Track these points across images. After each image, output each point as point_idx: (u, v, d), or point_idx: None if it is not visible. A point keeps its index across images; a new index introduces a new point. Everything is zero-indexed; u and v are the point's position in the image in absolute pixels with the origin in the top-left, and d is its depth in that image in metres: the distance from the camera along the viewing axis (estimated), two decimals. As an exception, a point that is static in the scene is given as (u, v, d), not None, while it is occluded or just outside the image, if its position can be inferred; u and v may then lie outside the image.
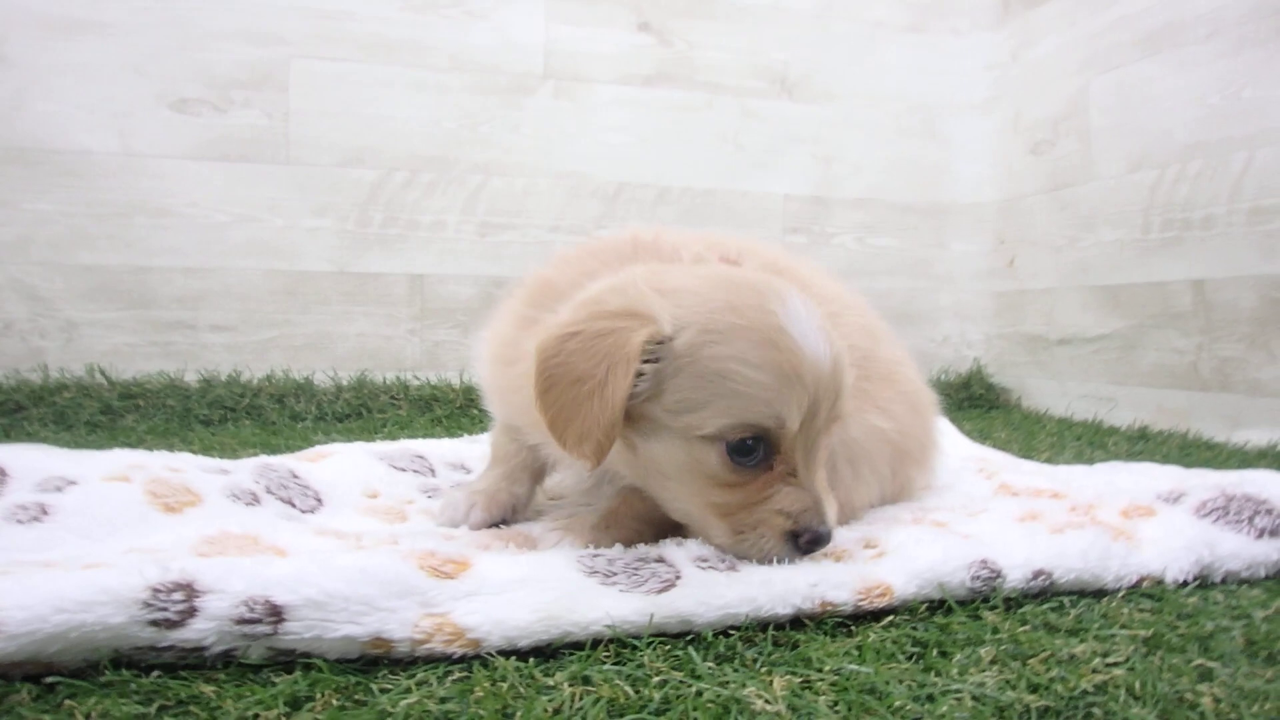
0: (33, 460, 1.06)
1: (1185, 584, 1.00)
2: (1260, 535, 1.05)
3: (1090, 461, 1.75)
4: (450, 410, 2.52)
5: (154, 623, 0.69)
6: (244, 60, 2.53)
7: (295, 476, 1.23)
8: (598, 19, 2.84)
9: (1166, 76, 2.45)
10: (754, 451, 0.92)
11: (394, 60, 2.66)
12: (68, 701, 0.65)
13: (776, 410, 0.90)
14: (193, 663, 0.71)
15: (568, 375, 0.90)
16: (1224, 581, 1.03)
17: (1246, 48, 2.22)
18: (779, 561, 0.92)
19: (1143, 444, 2.14)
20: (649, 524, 1.05)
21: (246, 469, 1.20)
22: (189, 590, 0.71)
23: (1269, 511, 1.07)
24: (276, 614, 0.72)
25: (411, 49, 2.68)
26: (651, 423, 0.93)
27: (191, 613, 0.70)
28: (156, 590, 0.70)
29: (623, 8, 2.87)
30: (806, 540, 0.92)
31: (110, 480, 1.01)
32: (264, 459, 1.29)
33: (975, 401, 3.03)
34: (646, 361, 0.89)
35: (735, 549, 0.93)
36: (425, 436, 1.95)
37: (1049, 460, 1.84)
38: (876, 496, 1.28)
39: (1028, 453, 1.94)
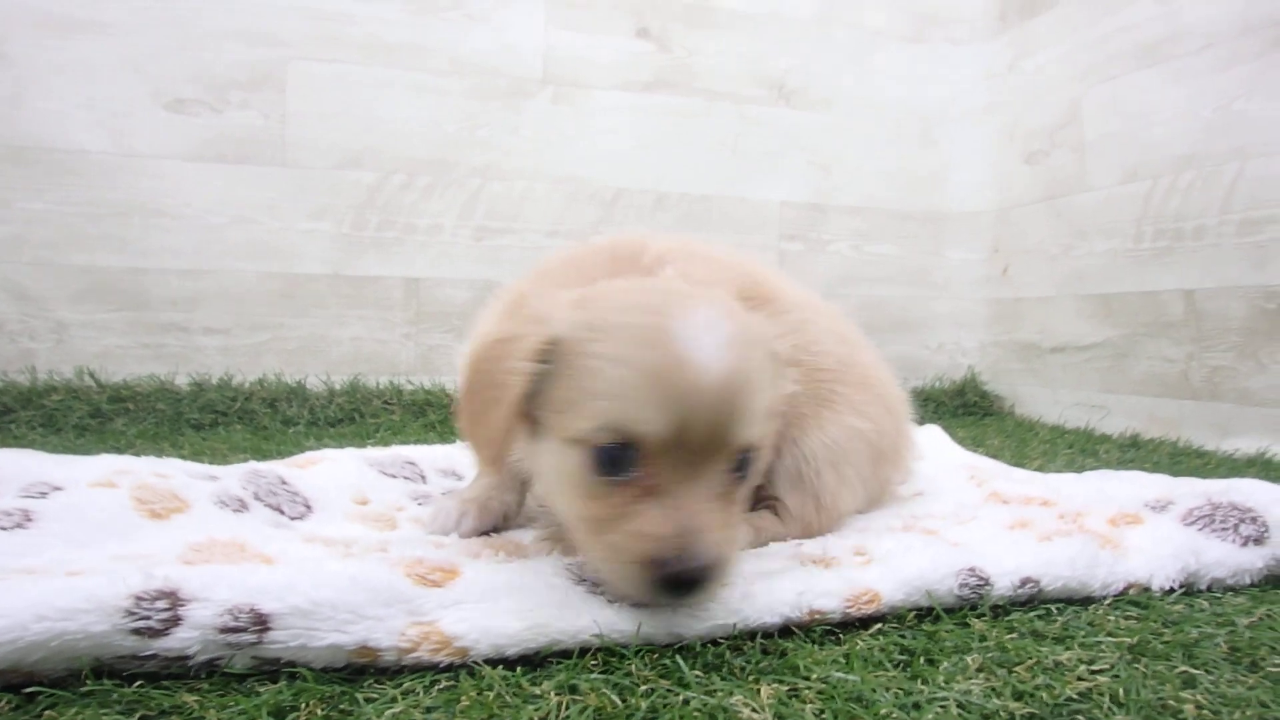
0: (18, 465, 1.06)
1: (1171, 591, 1.01)
2: (1246, 543, 1.05)
3: (1081, 469, 1.76)
4: (444, 415, 2.51)
5: (137, 631, 0.69)
6: (242, 61, 2.53)
7: (284, 483, 1.23)
8: (597, 24, 2.85)
9: (1160, 88, 2.46)
10: (620, 461, 0.83)
11: (393, 63, 2.66)
12: (48, 712, 0.65)
13: (639, 414, 0.82)
14: (176, 672, 0.71)
15: (480, 383, 0.91)
16: (1209, 589, 1.03)
17: (1239, 61, 2.24)
18: (640, 600, 0.81)
19: (1134, 452, 2.15)
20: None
21: (235, 475, 1.20)
22: (173, 598, 0.71)
23: (1254, 520, 1.07)
24: (262, 622, 0.71)
25: (410, 51, 2.67)
26: (542, 427, 0.90)
27: (175, 621, 0.70)
28: (140, 598, 0.70)
29: (622, 13, 2.87)
30: (664, 575, 0.79)
31: (96, 486, 1.01)
32: (252, 465, 1.29)
33: (969, 409, 3.03)
34: (542, 364, 0.87)
35: (604, 577, 0.85)
36: (418, 442, 1.94)
37: (1041, 468, 1.84)
38: (862, 498, 1.29)
39: (1020, 460, 1.95)
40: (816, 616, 0.86)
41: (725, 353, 0.84)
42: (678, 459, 0.83)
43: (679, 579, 0.79)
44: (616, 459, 0.83)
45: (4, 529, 0.92)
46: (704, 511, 0.82)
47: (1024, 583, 0.96)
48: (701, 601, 0.82)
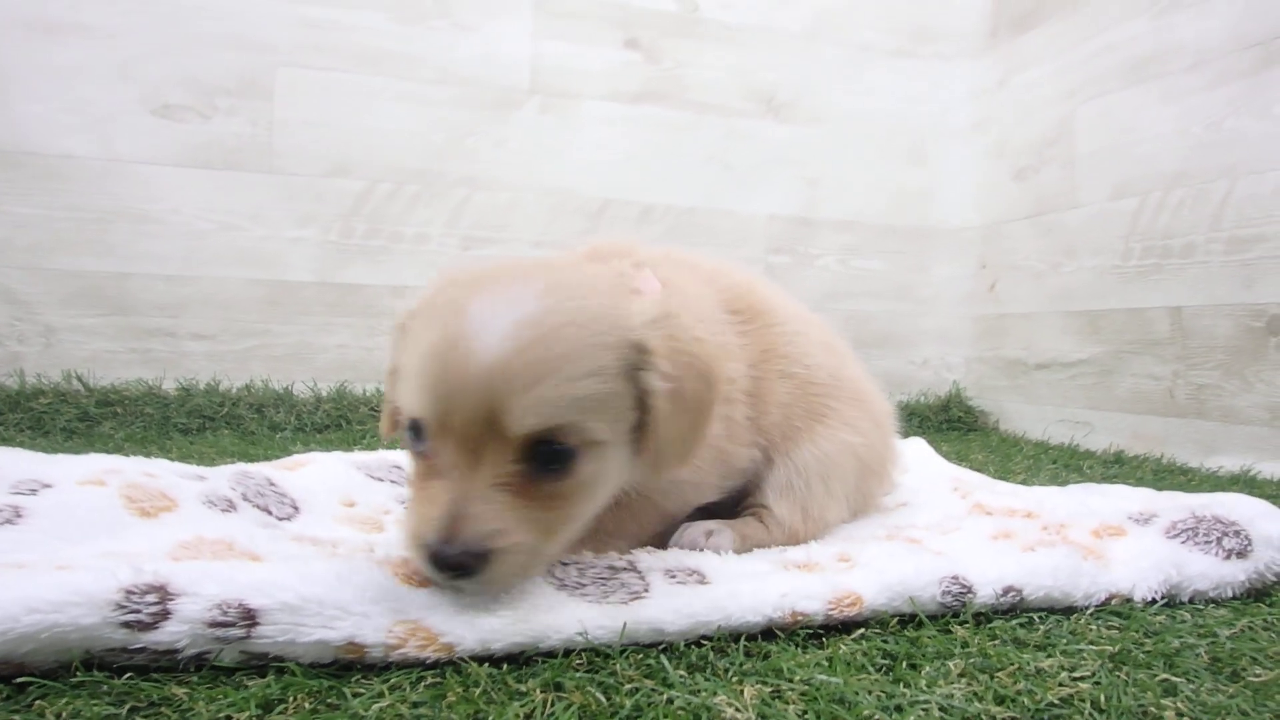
0: (7, 463, 1.06)
1: (1153, 603, 1.02)
2: (1228, 556, 1.06)
3: (1065, 484, 1.77)
4: (430, 423, 2.52)
5: (126, 624, 0.69)
6: (230, 67, 2.53)
7: (272, 484, 1.23)
8: (586, 35, 2.86)
9: (1151, 105, 2.48)
10: (418, 436, 0.85)
11: (380, 71, 2.66)
12: (38, 702, 0.65)
13: (414, 395, 0.83)
14: (165, 665, 0.71)
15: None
16: (1192, 601, 1.04)
17: (1229, 79, 2.26)
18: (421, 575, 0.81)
19: (1117, 468, 2.17)
20: (618, 537, 1.04)
21: (223, 476, 1.20)
22: (162, 593, 0.71)
23: (1237, 533, 1.08)
24: (250, 618, 0.72)
25: (398, 61, 2.68)
26: None
27: (164, 615, 0.70)
28: (130, 592, 0.70)
29: (611, 25, 2.88)
30: (429, 556, 0.78)
31: (86, 484, 1.01)
32: (241, 466, 1.29)
33: (953, 424, 3.05)
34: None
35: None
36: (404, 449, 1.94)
37: (1024, 482, 1.86)
38: (847, 512, 1.30)
39: (1004, 475, 1.96)
40: (799, 618, 0.87)
41: (510, 333, 0.81)
42: (454, 442, 0.81)
43: (442, 562, 0.78)
44: (416, 436, 0.85)
45: (-5, 524, 0.92)
46: (478, 499, 0.80)
47: (1006, 591, 0.97)
48: (475, 590, 0.80)
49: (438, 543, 0.77)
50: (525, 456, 0.82)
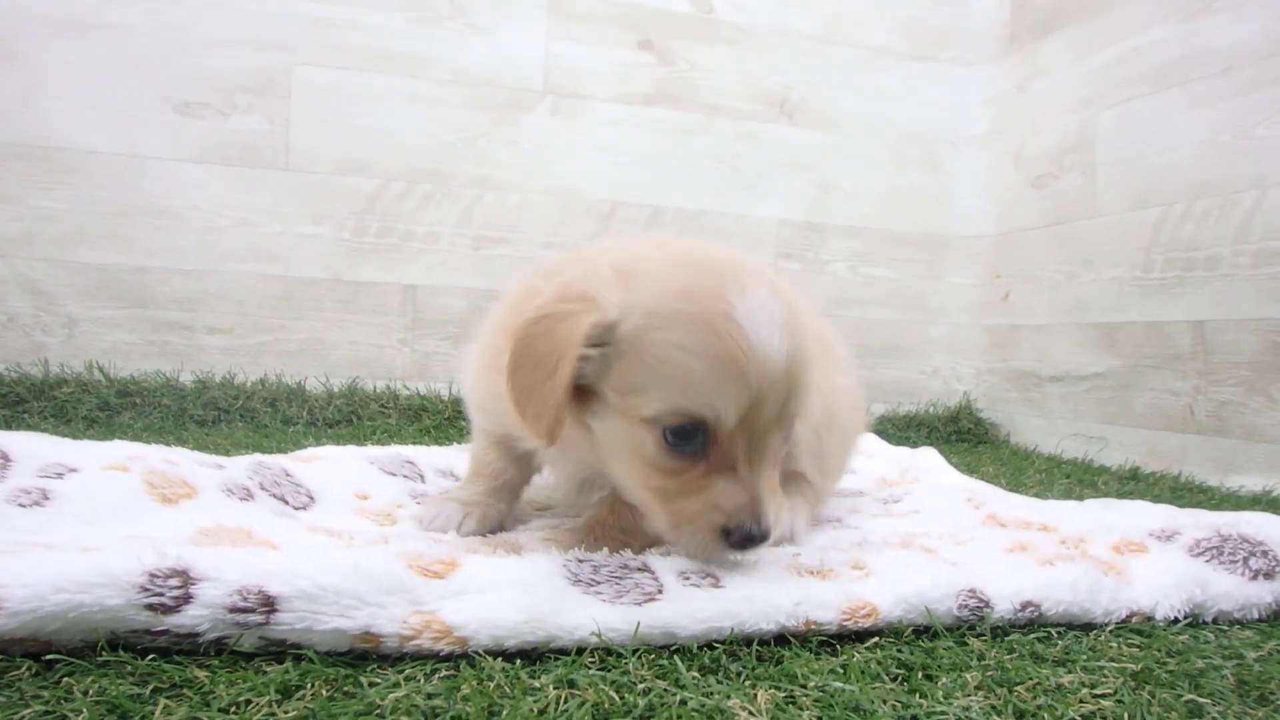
0: (35, 447, 1.07)
1: (1176, 621, 1.00)
2: (1255, 577, 1.04)
3: (1080, 499, 1.75)
4: (439, 421, 2.53)
5: (150, 607, 0.70)
6: (248, 66, 2.55)
7: (288, 475, 1.24)
8: (598, 37, 2.86)
9: (1176, 112, 2.43)
10: (691, 440, 0.90)
11: (394, 71, 2.68)
12: (66, 679, 0.66)
13: (711, 400, 0.88)
14: (186, 648, 0.72)
15: (530, 358, 0.93)
16: (1215, 621, 1.02)
17: (1262, 85, 2.20)
18: (711, 558, 0.92)
19: (1133, 484, 2.13)
20: (634, 535, 1.06)
21: (241, 465, 1.21)
22: (185, 577, 0.72)
23: (1265, 554, 1.06)
24: (269, 604, 0.72)
25: (412, 61, 2.69)
26: (602, 404, 0.94)
27: (187, 599, 0.71)
28: (153, 575, 0.71)
29: (624, 26, 2.89)
30: (737, 539, 0.89)
31: (109, 469, 1.02)
32: (258, 457, 1.30)
33: (963, 436, 3.03)
34: (595, 346, 0.90)
35: (672, 539, 0.94)
36: (414, 445, 1.95)
37: (1037, 496, 1.83)
38: (849, 457, 1.45)
39: (1015, 488, 1.93)
40: (812, 627, 0.87)
41: (784, 334, 0.90)
42: (744, 437, 0.90)
43: (748, 539, 0.90)
44: (686, 437, 0.90)
45: (23, 506, 0.94)
46: (765, 480, 0.92)
47: (1024, 606, 0.95)
48: (754, 557, 0.94)
49: (751, 527, 0.90)
50: (787, 435, 0.96)
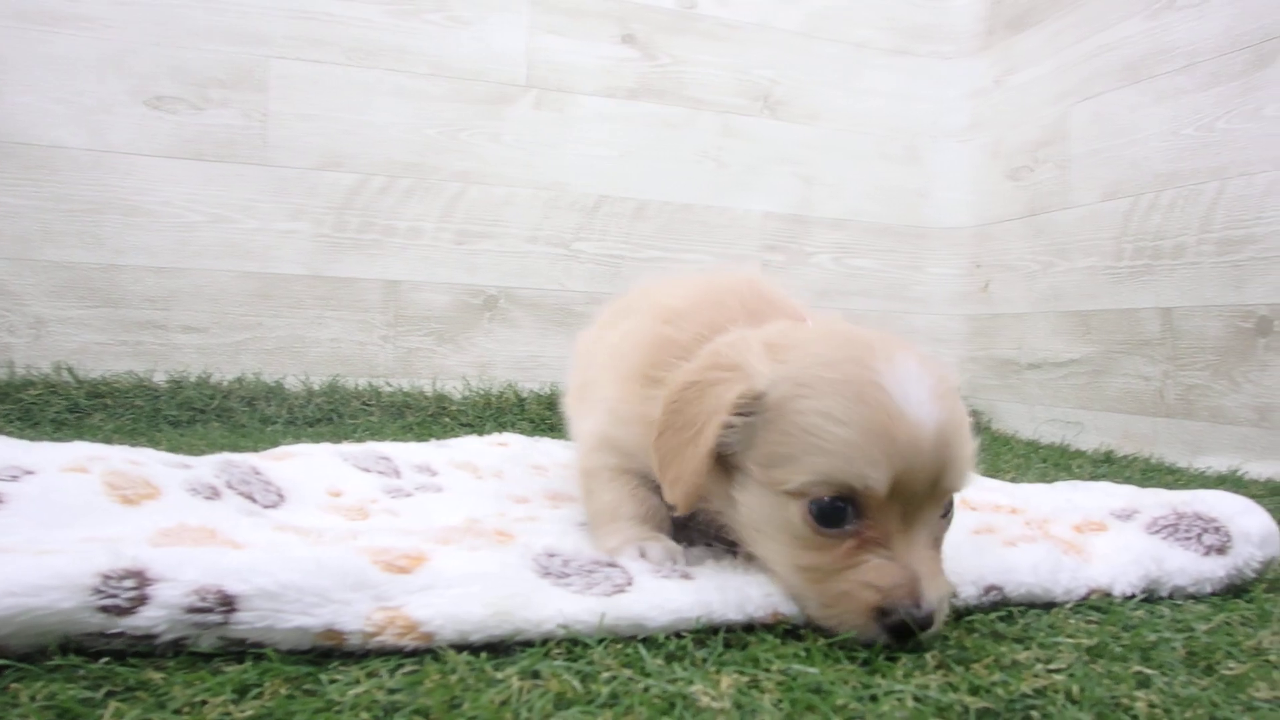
0: (-10, 449, 1.06)
1: (1133, 597, 1.02)
2: (1208, 552, 1.07)
3: (1053, 482, 1.77)
4: (422, 418, 2.52)
5: (104, 609, 0.69)
6: (223, 59, 2.53)
7: (257, 473, 1.23)
8: (582, 30, 2.86)
9: (1144, 106, 2.49)
10: (840, 513, 0.85)
11: (375, 64, 2.67)
12: (14, 685, 0.65)
13: (861, 470, 0.83)
14: (143, 650, 0.71)
15: (677, 422, 0.92)
16: (1171, 597, 1.04)
17: (1222, 80, 2.27)
18: (868, 642, 0.83)
19: (1106, 467, 2.17)
20: None
21: (208, 464, 1.20)
22: (140, 578, 0.71)
23: (1218, 530, 1.09)
24: (228, 603, 0.72)
25: (393, 54, 2.68)
26: (746, 475, 0.91)
27: (142, 600, 0.70)
28: (107, 577, 0.70)
29: (607, 20, 2.89)
30: (894, 622, 0.81)
31: (68, 471, 1.00)
32: (226, 455, 1.29)
33: (945, 423, 3.04)
34: (741, 415, 0.88)
35: (823, 619, 0.86)
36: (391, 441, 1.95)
37: (1012, 480, 1.86)
38: None
39: (993, 473, 1.96)
40: (780, 618, 0.87)
41: (936, 404, 0.86)
42: (897, 510, 0.85)
43: (907, 626, 0.81)
44: (835, 512, 0.85)
45: (-24, 510, 0.92)
46: (924, 560, 0.85)
47: (988, 590, 0.97)
48: (915, 645, 0.84)
49: (909, 609, 0.81)
50: (945, 512, 0.90)
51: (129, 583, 0.71)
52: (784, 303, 1.15)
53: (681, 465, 0.90)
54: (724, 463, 0.92)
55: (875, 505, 0.84)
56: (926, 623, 0.82)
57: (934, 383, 0.87)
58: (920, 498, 0.85)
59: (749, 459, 0.90)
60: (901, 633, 0.82)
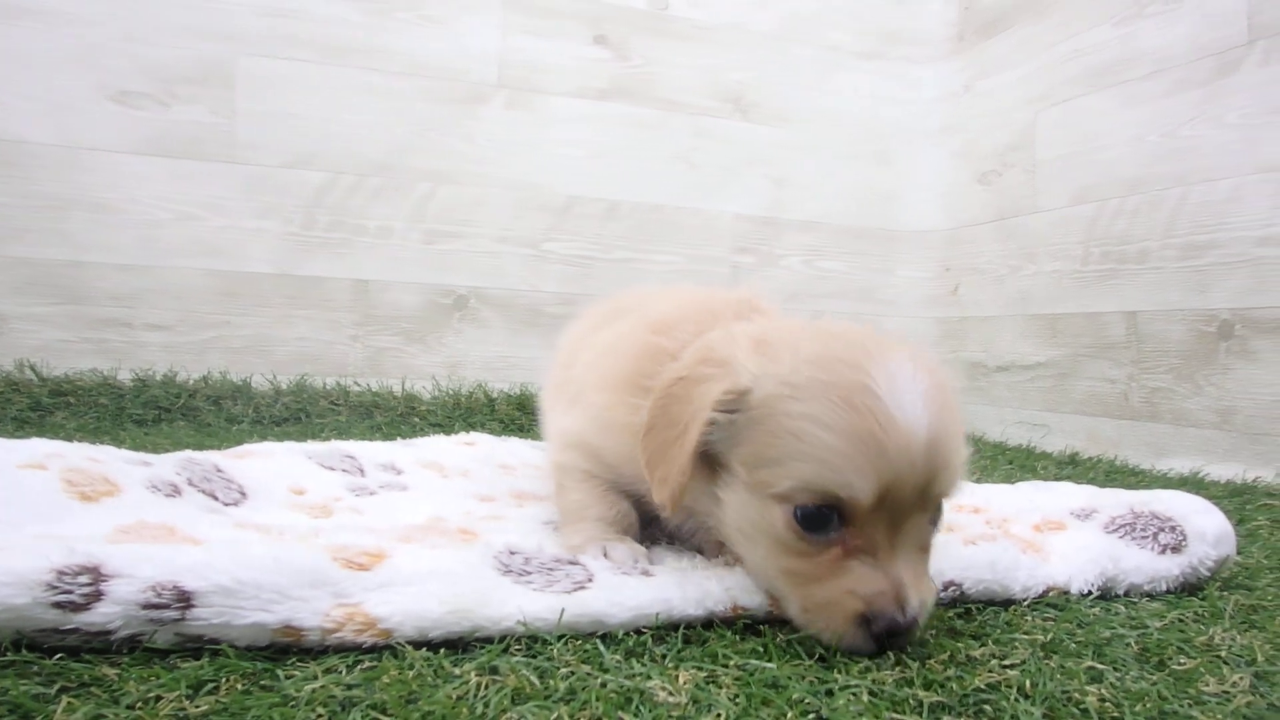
0: (-56, 448, 1.04)
1: (1089, 595, 1.04)
2: (1163, 551, 1.09)
3: (1017, 483, 1.79)
4: (391, 417, 2.51)
5: (58, 605, 0.69)
6: (191, 55, 2.51)
7: (219, 470, 1.23)
8: (554, 30, 2.86)
9: (1111, 112, 2.52)
10: (825, 520, 0.83)
11: (346, 63, 2.65)
12: (-35, 681, 0.65)
13: (848, 479, 0.81)
14: (98, 646, 0.71)
15: (664, 419, 0.91)
16: (1127, 594, 1.06)
17: (1187, 87, 2.30)
18: (851, 649, 0.82)
19: (1071, 469, 2.20)
20: None
21: (169, 462, 1.19)
22: (95, 574, 0.71)
23: (1173, 529, 1.10)
24: (185, 600, 0.72)
25: (364, 52, 2.67)
26: (732, 475, 0.90)
27: (97, 596, 0.70)
28: (62, 573, 0.70)
29: (580, 21, 2.89)
30: (881, 627, 0.80)
31: (26, 467, 0.99)
32: (188, 453, 1.28)
33: (913, 424, 3.06)
34: (725, 412, 0.87)
35: (805, 624, 0.85)
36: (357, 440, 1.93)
37: (978, 482, 1.87)
38: None
39: (958, 474, 1.97)
40: (740, 612, 0.88)
41: (928, 411, 0.83)
42: (884, 518, 0.83)
43: (893, 631, 0.80)
44: (819, 518, 0.83)
45: (-70, 507, 0.91)
46: (908, 566, 0.83)
47: (946, 586, 0.98)
48: (899, 649, 0.83)
49: (894, 616, 0.80)
50: (933, 517, 0.88)
51: (84, 579, 0.70)
52: (778, 316, 1.14)
53: (668, 464, 0.89)
54: (711, 462, 0.91)
55: (861, 513, 0.82)
56: (913, 625, 0.81)
57: (928, 387, 0.85)
58: (909, 506, 0.83)
59: (735, 458, 0.89)
60: (885, 640, 0.81)
